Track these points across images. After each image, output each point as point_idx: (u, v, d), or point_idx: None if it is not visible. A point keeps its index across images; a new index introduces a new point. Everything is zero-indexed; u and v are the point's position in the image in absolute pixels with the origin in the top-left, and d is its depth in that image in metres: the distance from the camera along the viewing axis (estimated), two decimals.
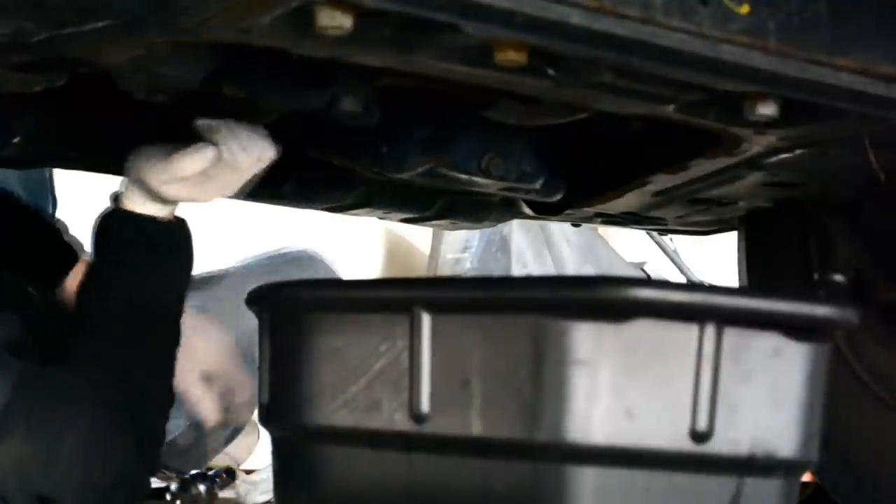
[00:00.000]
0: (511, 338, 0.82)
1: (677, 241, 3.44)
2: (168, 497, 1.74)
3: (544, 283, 0.89)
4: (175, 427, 1.76)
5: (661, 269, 3.53)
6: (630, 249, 3.62)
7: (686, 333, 0.82)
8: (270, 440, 0.99)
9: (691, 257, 3.50)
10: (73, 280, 1.27)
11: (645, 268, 3.58)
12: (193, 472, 1.75)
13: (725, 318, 0.82)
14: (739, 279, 1.56)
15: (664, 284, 0.82)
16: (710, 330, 0.82)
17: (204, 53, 0.93)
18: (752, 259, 1.54)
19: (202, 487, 1.72)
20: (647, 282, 0.82)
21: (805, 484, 2.40)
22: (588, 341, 0.81)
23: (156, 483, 2.10)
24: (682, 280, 3.46)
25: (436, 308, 0.85)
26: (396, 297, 0.89)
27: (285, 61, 0.91)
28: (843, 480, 1.48)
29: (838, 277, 1.05)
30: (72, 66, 0.94)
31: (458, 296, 0.87)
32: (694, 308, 0.82)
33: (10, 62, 0.91)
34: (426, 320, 0.85)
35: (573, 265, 3.31)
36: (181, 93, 1.04)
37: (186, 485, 1.73)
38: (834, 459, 1.47)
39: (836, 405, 1.42)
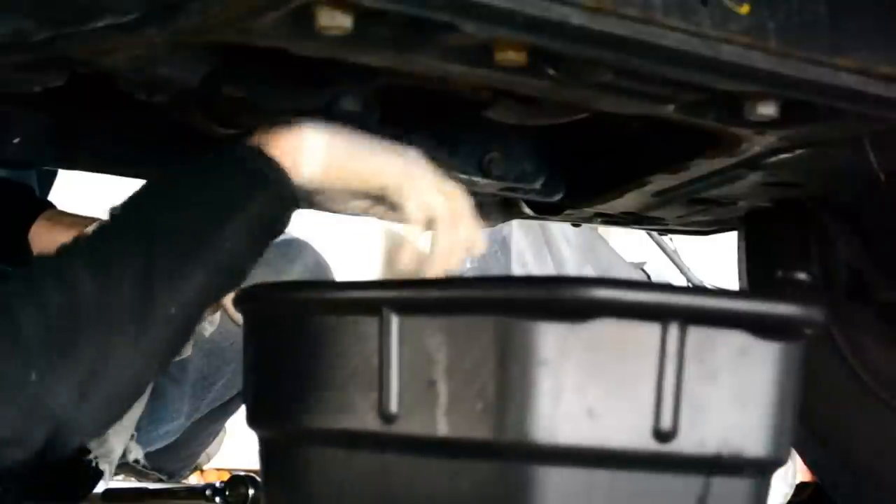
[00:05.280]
0: (475, 338, 0.83)
1: (677, 241, 3.44)
2: (208, 494, 1.74)
3: (506, 283, 0.89)
4: (176, 428, 1.77)
5: (661, 269, 3.53)
6: (630, 249, 3.62)
7: (648, 333, 0.82)
8: (257, 440, 0.99)
9: (691, 257, 3.50)
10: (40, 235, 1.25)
11: (645, 268, 3.58)
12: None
13: (689, 318, 0.82)
14: (739, 279, 1.57)
15: (625, 284, 0.82)
16: (673, 329, 0.82)
17: (204, 53, 0.93)
18: (752, 259, 1.54)
19: (251, 491, 1.72)
20: (608, 281, 0.81)
21: (805, 484, 2.41)
22: (550, 341, 0.81)
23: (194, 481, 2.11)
24: (682, 280, 3.46)
25: (404, 309, 0.86)
26: (367, 298, 0.89)
27: (285, 61, 0.91)
28: (843, 480, 1.48)
29: (802, 275, 1.05)
30: (72, 66, 0.94)
31: (424, 296, 0.87)
32: (656, 307, 0.82)
33: (10, 62, 0.91)
34: (394, 321, 0.86)
35: (573, 265, 3.31)
36: (181, 93, 1.04)
37: (234, 484, 1.74)
38: (834, 459, 1.47)
39: (836, 405, 1.43)
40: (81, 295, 0.91)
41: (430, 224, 1.06)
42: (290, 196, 1.00)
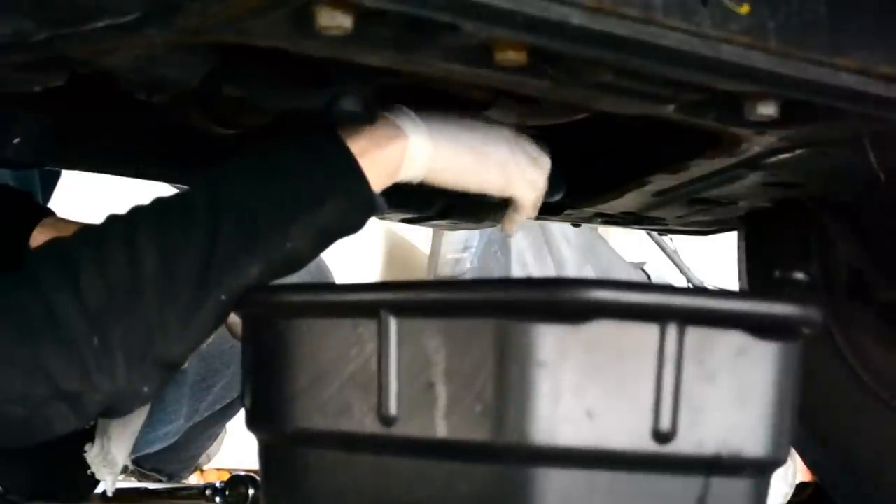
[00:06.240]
0: (473, 340, 0.83)
1: (677, 241, 3.44)
2: (208, 494, 1.74)
3: (505, 285, 0.89)
4: (175, 429, 1.77)
5: (661, 269, 3.53)
6: (630, 249, 3.62)
7: (647, 333, 0.82)
8: (256, 443, 0.99)
9: (691, 257, 3.50)
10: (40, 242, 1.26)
11: (645, 268, 3.58)
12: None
13: (687, 318, 0.82)
14: (739, 279, 1.56)
15: (623, 285, 0.82)
16: (671, 330, 0.82)
17: (204, 53, 0.93)
18: (752, 259, 1.54)
19: (251, 491, 1.72)
20: (606, 282, 0.81)
21: (805, 484, 2.41)
22: (549, 343, 0.81)
23: (194, 481, 2.11)
24: (683, 280, 3.46)
25: (402, 311, 0.86)
26: (365, 301, 0.89)
27: (285, 61, 0.91)
28: (843, 480, 1.48)
29: (800, 275, 1.05)
30: (72, 66, 0.94)
31: (422, 299, 0.87)
32: (654, 308, 0.82)
33: (10, 62, 0.90)
34: (393, 324, 0.86)
35: (573, 265, 3.31)
36: (181, 93, 1.04)
37: (234, 484, 1.73)
38: (834, 459, 1.47)
39: (836, 405, 1.43)
40: (145, 267, 0.92)
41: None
42: (365, 203, 1.00)
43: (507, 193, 1.13)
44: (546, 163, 1.16)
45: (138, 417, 1.24)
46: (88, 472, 1.22)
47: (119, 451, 1.22)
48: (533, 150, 1.14)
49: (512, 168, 1.11)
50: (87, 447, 1.21)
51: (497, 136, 1.11)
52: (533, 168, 1.14)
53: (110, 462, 1.21)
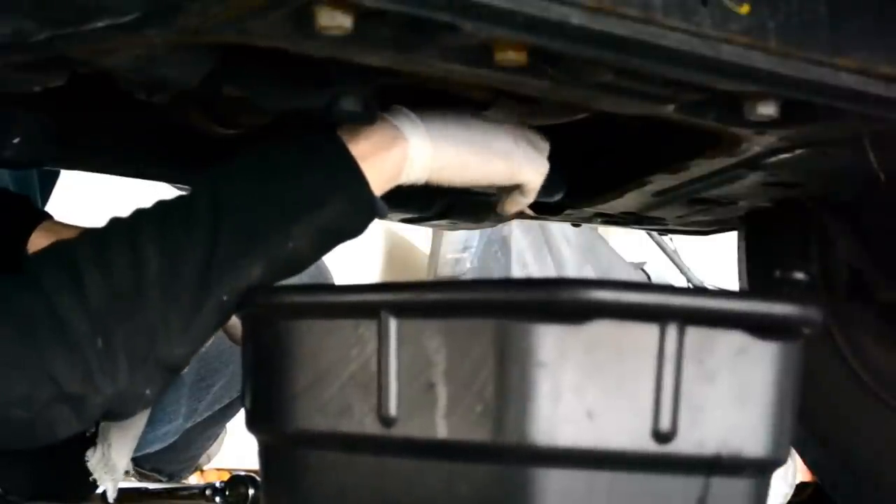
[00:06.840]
0: (474, 340, 0.83)
1: (677, 241, 3.44)
2: (208, 494, 1.74)
3: (505, 285, 0.90)
4: (175, 429, 1.77)
5: (661, 269, 3.53)
6: (630, 249, 3.63)
7: (647, 333, 0.82)
8: (257, 444, 0.99)
9: (691, 257, 3.50)
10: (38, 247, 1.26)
11: (645, 268, 3.58)
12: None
13: (687, 318, 0.82)
14: (739, 279, 1.57)
15: (623, 285, 0.82)
16: (671, 330, 0.82)
17: (204, 53, 0.93)
18: (752, 259, 1.54)
19: (251, 491, 1.72)
20: (606, 283, 0.81)
21: (805, 484, 2.41)
22: (549, 343, 0.81)
23: (194, 480, 2.11)
24: (683, 280, 3.46)
25: (402, 312, 0.86)
26: (365, 301, 0.89)
27: (285, 61, 0.91)
28: (843, 480, 1.48)
29: (800, 275, 1.05)
30: (72, 66, 0.94)
31: (422, 299, 0.87)
32: (654, 308, 0.82)
33: (10, 62, 0.90)
34: (393, 324, 0.86)
35: (573, 265, 3.31)
36: (181, 93, 1.04)
37: (234, 484, 1.74)
38: (834, 459, 1.47)
39: (836, 405, 1.43)
40: (148, 269, 0.93)
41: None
42: (366, 205, 1.01)
43: (514, 181, 1.14)
44: (546, 146, 1.17)
45: (139, 422, 1.24)
46: (89, 475, 1.22)
47: (120, 456, 1.22)
48: (533, 135, 1.16)
49: (517, 155, 1.12)
50: (88, 453, 1.21)
51: (498, 129, 1.12)
52: (537, 153, 1.15)
53: (111, 468, 1.22)
